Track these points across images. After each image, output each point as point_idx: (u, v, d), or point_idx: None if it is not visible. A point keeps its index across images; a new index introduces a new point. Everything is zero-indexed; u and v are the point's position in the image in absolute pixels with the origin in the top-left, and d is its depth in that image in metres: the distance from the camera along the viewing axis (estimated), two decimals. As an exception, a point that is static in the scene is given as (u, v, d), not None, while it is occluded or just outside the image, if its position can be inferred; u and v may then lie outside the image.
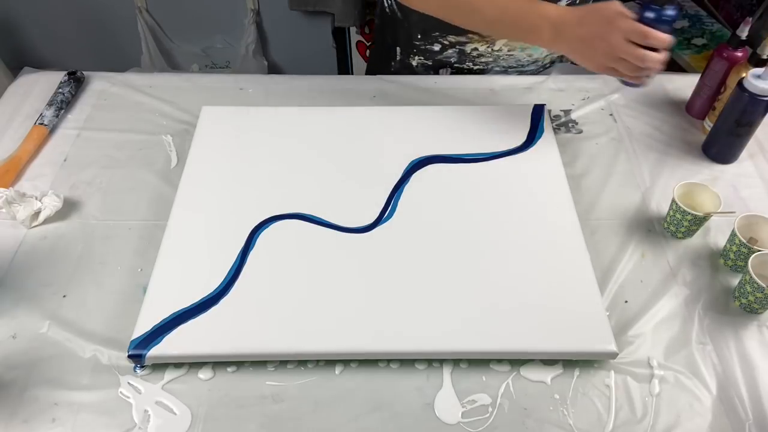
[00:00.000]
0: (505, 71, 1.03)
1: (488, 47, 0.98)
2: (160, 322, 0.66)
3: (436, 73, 1.04)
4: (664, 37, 0.70)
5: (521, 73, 1.04)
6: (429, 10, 0.85)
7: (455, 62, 1.02)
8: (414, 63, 1.04)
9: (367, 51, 1.90)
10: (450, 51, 1.00)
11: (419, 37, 1.00)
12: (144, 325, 0.66)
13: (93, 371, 0.66)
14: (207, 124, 0.89)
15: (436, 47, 1.00)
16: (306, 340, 0.65)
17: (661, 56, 0.71)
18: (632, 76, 0.74)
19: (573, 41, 0.75)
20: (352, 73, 1.96)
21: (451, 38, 0.98)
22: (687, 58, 1.57)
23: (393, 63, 1.06)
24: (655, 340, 0.69)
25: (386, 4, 1.03)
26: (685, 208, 0.75)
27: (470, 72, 1.03)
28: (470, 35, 0.97)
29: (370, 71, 1.15)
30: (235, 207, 0.78)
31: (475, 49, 0.98)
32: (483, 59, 1.00)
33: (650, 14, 0.71)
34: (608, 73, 0.76)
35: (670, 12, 0.71)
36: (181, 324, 0.66)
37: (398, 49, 1.04)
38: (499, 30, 0.86)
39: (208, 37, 1.96)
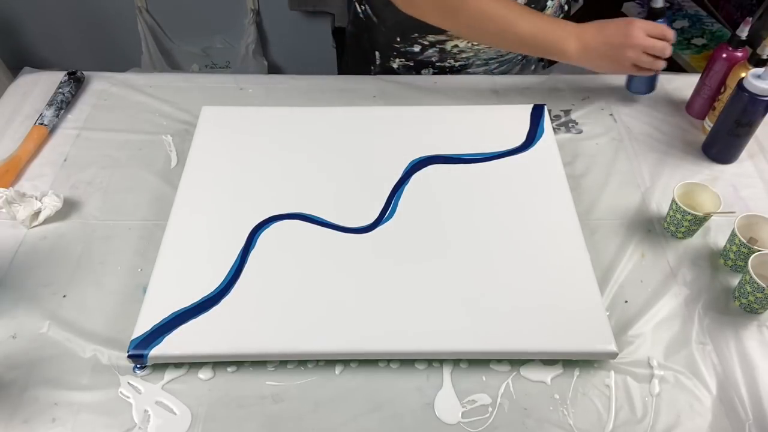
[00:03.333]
0: (486, 63, 1.02)
1: (468, 43, 0.98)
2: (160, 322, 0.66)
3: (418, 73, 1.04)
4: (672, 33, 0.85)
5: (501, 64, 1.03)
6: (460, 31, 0.92)
7: (436, 61, 1.02)
8: (395, 66, 1.04)
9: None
10: (430, 50, 1.00)
11: (398, 39, 1.00)
12: (144, 325, 0.66)
13: (93, 371, 0.66)
14: (207, 124, 0.89)
15: (416, 48, 1.00)
16: (306, 340, 0.65)
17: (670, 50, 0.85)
18: (648, 68, 0.86)
19: (598, 49, 0.84)
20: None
21: (431, 38, 0.98)
22: (687, 58, 1.57)
23: (373, 68, 1.06)
24: (655, 340, 0.69)
25: (359, 10, 1.03)
26: (685, 208, 0.75)
27: (452, 69, 1.03)
28: (450, 33, 0.97)
29: None
30: (235, 207, 0.78)
31: (456, 46, 0.98)
32: (464, 55, 1.00)
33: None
34: (629, 71, 0.87)
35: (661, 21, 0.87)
36: (182, 324, 0.66)
37: (377, 53, 1.04)
38: (528, 49, 0.90)
39: (208, 37, 1.96)
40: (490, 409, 0.63)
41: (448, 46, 0.99)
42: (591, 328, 0.66)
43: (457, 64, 1.02)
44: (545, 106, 0.93)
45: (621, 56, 0.84)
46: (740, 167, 0.88)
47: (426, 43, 0.99)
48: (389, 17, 0.97)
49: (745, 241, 0.72)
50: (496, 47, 0.98)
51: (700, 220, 0.76)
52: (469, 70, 1.03)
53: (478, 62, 1.02)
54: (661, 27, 0.84)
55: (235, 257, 0.72)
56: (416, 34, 0.98)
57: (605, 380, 0.66)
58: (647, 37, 0.83)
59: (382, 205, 0.79)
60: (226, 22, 1.90)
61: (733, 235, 0.73)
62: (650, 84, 0.96)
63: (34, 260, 0.76)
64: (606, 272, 0.75)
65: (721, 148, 0.88)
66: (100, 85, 1.00)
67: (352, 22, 1.08)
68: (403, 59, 1.02)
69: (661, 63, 0.85)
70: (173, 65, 2.00)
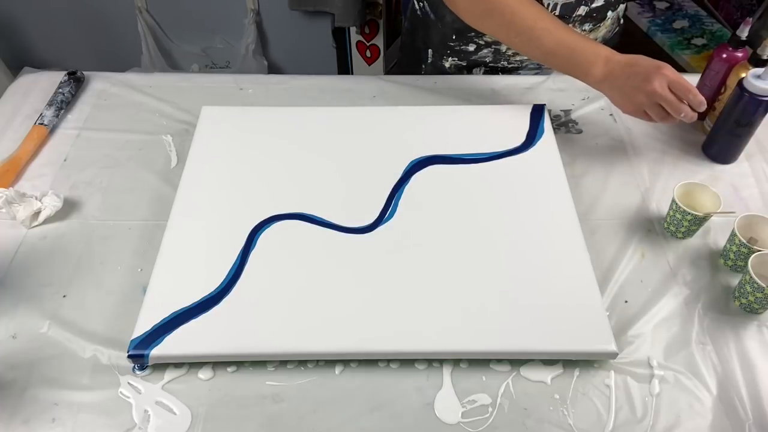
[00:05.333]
0: (538, 66, 1.03)
1: None
2: (160, 322, 0.66)
3: (470, 73, 1.03)
4: (701, 99, 0.75)
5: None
6: (491, 31, 0.88)
7: (490, 62, 1.01)
8: (447, 65, 1.03)
9: (367, 51, 1.90)
10: (485, 50, 0.99)
11: (454, 38, 0.99)
12: (144, 325, 0.66)
13: (93, 371, 0.66)
14: (207, 124, 0.89)
15: (471, 47, 0.99)
16: (306, 340, 0.65)
17: (694, 115, 0.76)
18: (658, 121, 0.79)
19: (619, 79, 0.79)
20: (352, 73, 1.96)
21: (488, 38, 0.97)
22: (687, 58, 1.57)
23: (423, 66, 1.06)
24: (655, 340, 0.69)
25: (417, 7, 1.02)
26: (685, 208, 0.75)
27: (503, 70, 1.03)
28: None
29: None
30: (235, 207, 0.78)
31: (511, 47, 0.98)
32: (518, 57, 1.00)
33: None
34: (637, 115, 0.80)
35: None
36: (181, 324, 0.66)
37: (430, 51, 1.03)
38: (552, 61, 0.84)
39: (208, 37, 1.95)
40: (490, 409, 0.63)
41: (503, 47, 0.98)
42: (591, 328, 0.66)
43: (509, 66, 1.02)
44: (545, 106, 0.93)
45: (634, 97, 0.78)
46: (740, 167, 0.88)
47: (482, 42, 0.98)
48: (447, 14, 0.96)
49: (745, 241, 0.72)
50: (524, 54, 0.92)
51: (700, 220, 0.76)
52: (521, 72, 1.03)
53: (531, 65, 1.02)
54: (686, 85, 0.75)
55: (236, 257, 0.72)
56: (473, 33, 0.98)
57: (605, 380, 0.66)
58: (667, 89, 0.75)
59: (382, 205, 0.79)
60: (226, 22, 1.90)
61: (733, 235, 0.73)
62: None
63: (34, 260, 0.76)
64: (606, 272, 0.75)
65: (720, 148, 0.88)
66: (100, 85, 1.00)
67: (408, 20, 1.07)
68: (456, 58, 1.02)
69: (671, 119, 0.77)
70: (173, 65, 2.00)
